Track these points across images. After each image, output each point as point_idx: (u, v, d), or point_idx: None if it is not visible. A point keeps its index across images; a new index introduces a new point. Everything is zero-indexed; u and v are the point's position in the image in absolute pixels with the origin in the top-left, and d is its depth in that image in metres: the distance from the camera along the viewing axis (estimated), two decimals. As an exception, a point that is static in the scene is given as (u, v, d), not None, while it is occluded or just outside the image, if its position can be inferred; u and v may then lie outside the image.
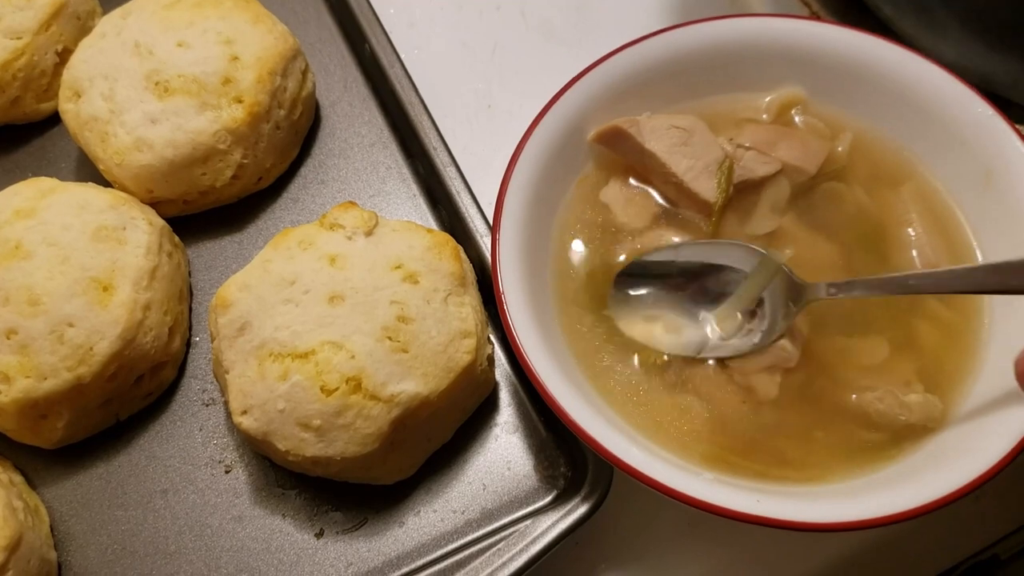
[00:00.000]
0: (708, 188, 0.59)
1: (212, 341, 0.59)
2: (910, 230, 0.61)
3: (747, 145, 0.60)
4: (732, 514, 0.49)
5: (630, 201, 0.61)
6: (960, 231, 0.61)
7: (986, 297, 0.58)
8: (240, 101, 0.64)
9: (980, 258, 0.60)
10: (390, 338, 0.55)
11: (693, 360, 0.57)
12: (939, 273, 0.53)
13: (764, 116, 0.64)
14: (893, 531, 0.60)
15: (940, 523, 0.63)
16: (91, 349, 0.57)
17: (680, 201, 0.60)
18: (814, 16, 0.75)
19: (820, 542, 0.60)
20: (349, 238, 0.59)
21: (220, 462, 0.60)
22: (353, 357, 0.54)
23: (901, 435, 0.54)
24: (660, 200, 0.61)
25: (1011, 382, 0.51)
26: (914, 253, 0.60)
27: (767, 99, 0.64)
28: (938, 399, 0.54)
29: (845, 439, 0.55)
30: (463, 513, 0.58)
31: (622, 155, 0.62)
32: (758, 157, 0.60)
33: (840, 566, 0.60)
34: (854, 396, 0.55)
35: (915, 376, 0.56)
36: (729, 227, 0.60)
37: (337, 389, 0.54)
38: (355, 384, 0.54)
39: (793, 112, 0.64)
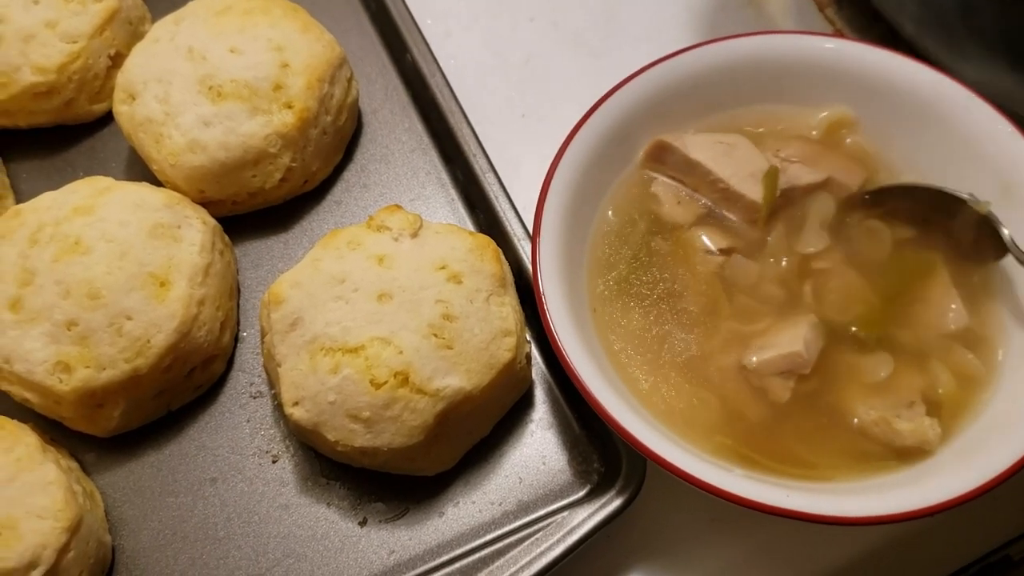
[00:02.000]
0: (754, 190, 0.61)
1: (263, 336, 0.62)
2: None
3: (793, 159, 0.63)
4: (765, 508, 0.51)
5: (678, 198, 0.64)
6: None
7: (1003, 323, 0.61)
8: (290, 107, 0.66)
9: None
10: (436, 335, 0.58)
11: (712, 356, 0.59)
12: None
13: (814, 133, 0.66)
14: (906, 530, 0.63)
15: (952, 523, 0.65)
16: (148, 342, 0.59)
17: (726, 206, 0.63)
18: (838, 33, 0.78)
19: (837, 538, 0.62)
20: (395, 239, 0.61)
21: (267, 452, 0.63)
22: (401, 352, 0.57)
23: (901, 453, 0.57)
24: (706, 202, 0.64)
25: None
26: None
27: (820, 115, 0.66)
28: (936, 422, 0.56)
29: (851, 447, 0.57)
30: (500, 505, 0.61)
31: (670, 169, 0.65)
32: (803, 168, 0.63)
33: (856, 562, 0.62)
34: (855, 420, 0.57)
35: (919, 395, 0.58)
36: (777, 239, 0.63)
37: (386, 383, 0.56)
38: (403, 378, 0.56)
39: (843, 132, 0.66)
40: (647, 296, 0.61)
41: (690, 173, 0.63)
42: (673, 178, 0.65)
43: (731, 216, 0.63)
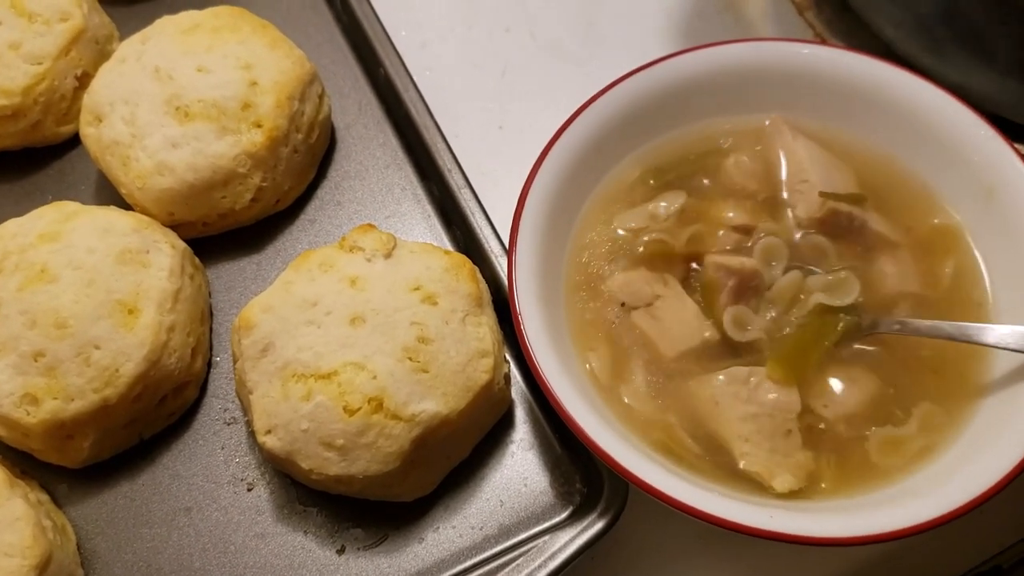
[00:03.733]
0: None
1: (235, 362, 0.61)
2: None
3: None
4: (748, 530, 0.50)
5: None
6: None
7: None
8: (259, 126, 0.65)
9: (986, 273, 0.62)
10: (411, 358, 0.56)
11: (690, 378, 0.58)
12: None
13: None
14: (896, 544, 0.61)
15: (943, 535, 0.64)
16: (117, 371, 0.58)
17: None
18: (819, 39, 0.77)
19: (826, 556, 0.62)
20: (369, 260, 0.60)
21: (242, 480, 0.62)
22: (375, 377, 0.56)
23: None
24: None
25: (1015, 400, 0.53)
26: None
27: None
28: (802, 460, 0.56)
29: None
30: (481, 529, 0.60)
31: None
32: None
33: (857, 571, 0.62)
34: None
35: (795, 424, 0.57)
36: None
37: (360, 409, 0.55)
38: (377, 404, 0.55)
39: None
40: (627, 311, 0.60)
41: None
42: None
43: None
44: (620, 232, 0.63)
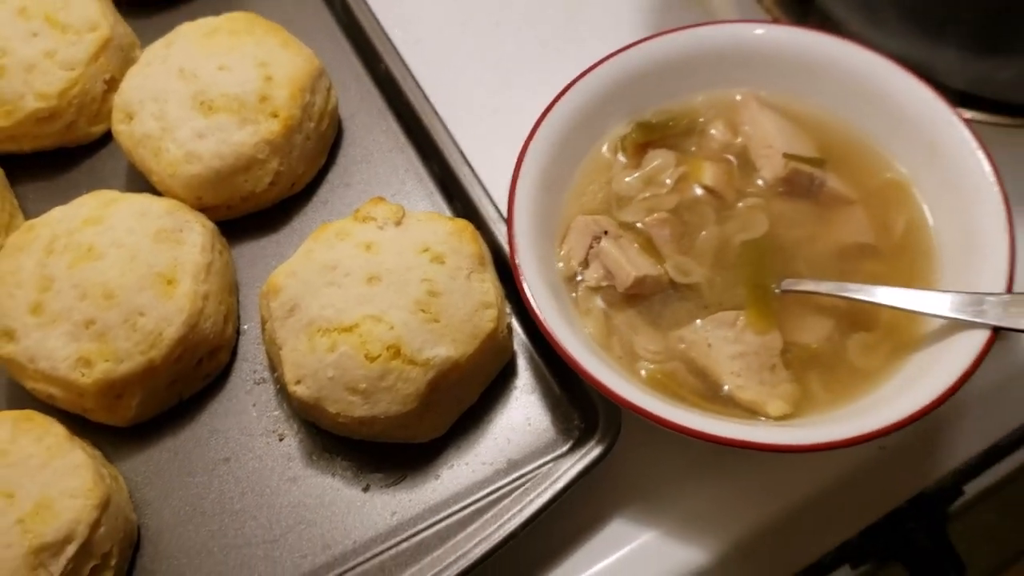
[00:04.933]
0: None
1: (263, 324, 0.67)
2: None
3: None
4: (735, 442, 0.57)
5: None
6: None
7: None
8: (276, 116, 0.72)
9: (932, 223, 0.69)
10: (423, 310, 0.63)
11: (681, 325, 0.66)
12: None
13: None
14: (876, 458, 0.68)
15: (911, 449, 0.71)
16: (160, 334, 0.65)
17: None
18: (776, 20, 0.84)
19: (813, 471, 0.67)
20: (381, 228, 0.67)
21: (274, 432, 0.68)
22: (392, 328, 0.63)
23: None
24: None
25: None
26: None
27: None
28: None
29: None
30: (491, 464, 0.66)
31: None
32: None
33: (828, 490, 0.68)
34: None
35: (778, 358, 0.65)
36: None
37: (379, 356, 0.62)
38: (395, 351, 0.62)
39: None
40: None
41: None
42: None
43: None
44: (616, 192, 0.71)
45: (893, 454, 0.68)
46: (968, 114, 0.79)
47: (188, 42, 0.75)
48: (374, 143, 0.79)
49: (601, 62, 0.72)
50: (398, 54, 0.79)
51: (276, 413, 0.69)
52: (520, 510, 0.62)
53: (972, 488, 0.82)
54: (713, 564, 0.65)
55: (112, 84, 0.78)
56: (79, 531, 0.59)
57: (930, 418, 0.65)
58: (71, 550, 0.59)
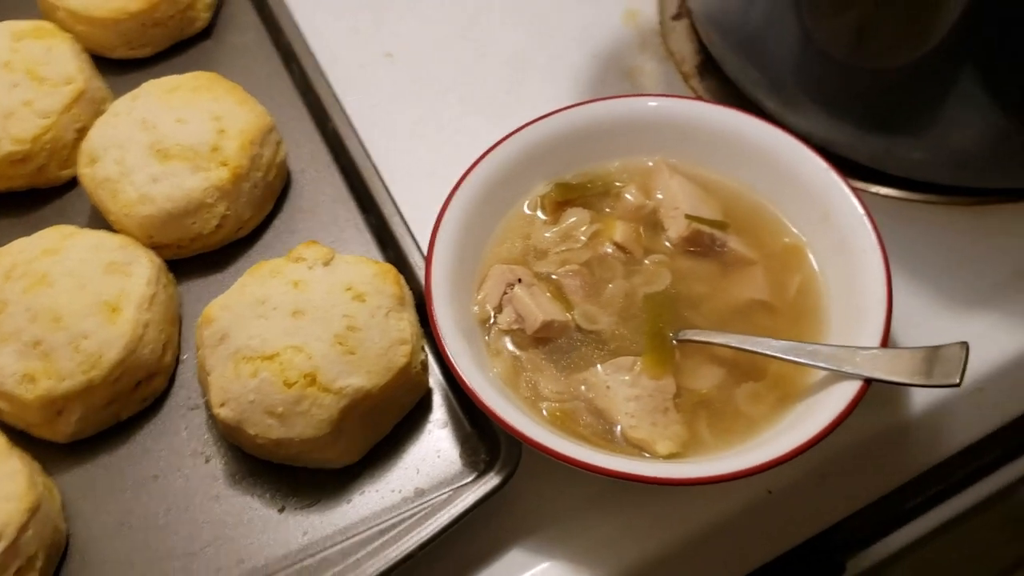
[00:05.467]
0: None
1: (197, 351, 0.73)
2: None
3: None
4: (628, 476, 0.62)
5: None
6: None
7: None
8: (225, 164, 0.79)
9: (823, 284, 0.75)
10: (341, 343, 0.69)
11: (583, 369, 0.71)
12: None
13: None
14: (780, 488, 0.72)
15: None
16: (101, 356, 0.70)
17: None
18: (699, 97, 0.91)
19: (708, 504, 0.72)
20: (310, 268, 0.73)
21: (201, 453, 0.73)
22: (310, 358, 0.68)
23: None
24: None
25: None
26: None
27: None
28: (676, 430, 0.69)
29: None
30: (400, 492, 0.71)
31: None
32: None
33: (711, 530, 0.72)
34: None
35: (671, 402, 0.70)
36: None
37: (296, 382, 0.67)
38: (311, 379, 0.67)
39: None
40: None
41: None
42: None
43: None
44: (533, 245, 0.77)
45: (780, 498, 0.72)
46: (873, 188, 0.85)
47: (152, 97, 0.82)
48: (319, 194, 0.86)
49: (524, 127, 0.78)
50: (346, 115, 0.87)
51: (205, 437, 0.74)
52: (419, 532, 0.66)
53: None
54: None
55: (82, 133, 0.85)
56: (7, 532, 0.64)
57: (814, 469, 0.71)
58: (-2, 549, 0.63)
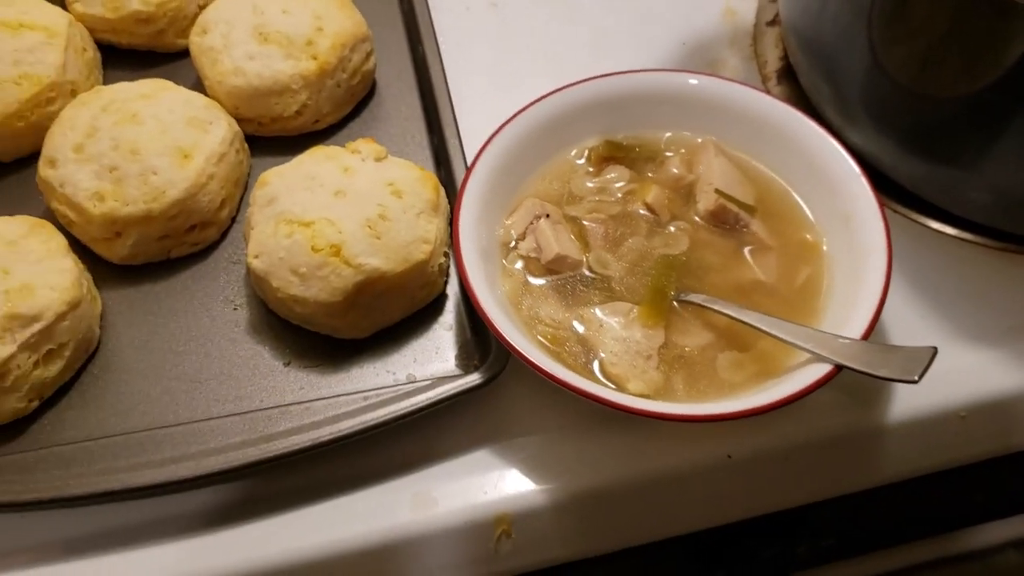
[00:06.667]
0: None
1: (249, 208, 0.81)
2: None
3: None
4: (576, 389, 0.67)
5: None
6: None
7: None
8: (315, 58, 0.87)
9: (829, 281, 0.78)
10: (370, 227, 0.76)
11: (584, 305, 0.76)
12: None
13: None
14: (721, 461, 0.76)
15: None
16: (164, 192, 0.79)
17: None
18: (765, 90, 0.95)
19: (656, 452, 0.75)
20: (363, 160, 0.80)
21: (231, 301, 0.81)
22: (340, 232, 0.75)
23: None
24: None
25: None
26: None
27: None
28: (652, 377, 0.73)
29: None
30: (394, 374, 0.77)
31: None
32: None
33: (677, 474, 0.75)
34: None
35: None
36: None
37: (323, 250, 0.74)
38: (336, 250, 0.74)
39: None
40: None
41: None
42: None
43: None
44: (571, 189, 0.83)
45: (740, 465, 0.76)
46: (900, 208, 0.88)
47: (268, -13, 0.91)
48: (396, 108, 0.93)
49: (590, 79, 0.84)
50: (437, 45, 0.94)
51: (238, 288, 0.82)
52: (396, 407, 0.72)
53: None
54: (557, 504, 0.73)
55: (203, 8, 0.95)
56: (46, 315, 0.72)
57: (778, 447, 0.75)
58: (36, 327, 0.72)
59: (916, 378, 0.65)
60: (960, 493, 0.90)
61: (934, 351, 0.66)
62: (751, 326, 0.73)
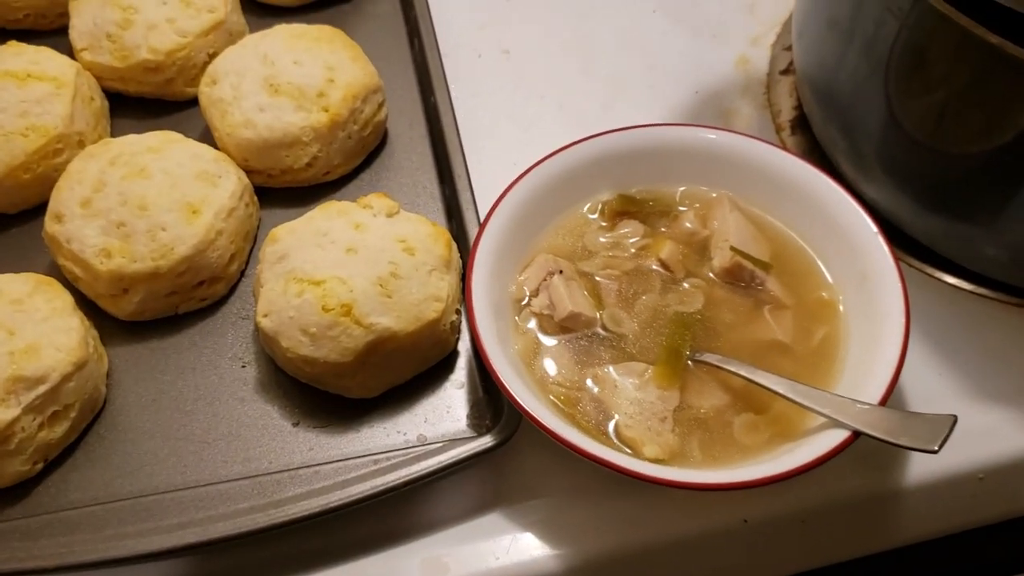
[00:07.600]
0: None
1: (258, 265, 0.80)
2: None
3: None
4: (590, 456, 0.66)
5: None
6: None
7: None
8: (327, 110, 0.86)
9: (846, 341, 0.77)
10: (381, 285, 0.74)
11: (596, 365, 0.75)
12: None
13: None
14: (736, 526, 0.74)
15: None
16: (172, 249, 0.78)
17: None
18: (782, 145, 0.94)
19: (669, 516, 0.74)
20: (375, 215, 0.79)
21: (239, 358, 0.80)
22: (351, 291, 0.74)
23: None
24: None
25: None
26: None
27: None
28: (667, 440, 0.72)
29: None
30: (404, 434, 0.76)
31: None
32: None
33: (692, 539, 0.74)
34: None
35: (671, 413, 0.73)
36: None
37: (333, 309, 0.73)
38: (347, 309, 0.73)
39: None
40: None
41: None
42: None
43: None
44: (584, 244, 0.82)
45: (755, 529, 0.74)
46: (915, 262, 0.87)
47: (278, 38, 0.90)
48: (407, 159, 0.93)
49: (603, 134, 0.83)
50: (449, 95, 0.93)
51: (247, 345, 0.81)
52: (408, 470, 0.71)
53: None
54: (570, 570, 0.72)
55: (213, 57, 0.94)
56: (52, 377, 0.71)
57: (794, 512, 0.73)
58: (41, 389, 0.71)
59: (936, 448, 0.64)
60: (978, 551, 0.88)
61: (954, 420, 0.65)
62: (768, 389, 0.71)
